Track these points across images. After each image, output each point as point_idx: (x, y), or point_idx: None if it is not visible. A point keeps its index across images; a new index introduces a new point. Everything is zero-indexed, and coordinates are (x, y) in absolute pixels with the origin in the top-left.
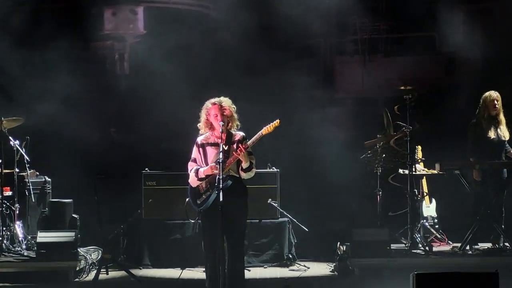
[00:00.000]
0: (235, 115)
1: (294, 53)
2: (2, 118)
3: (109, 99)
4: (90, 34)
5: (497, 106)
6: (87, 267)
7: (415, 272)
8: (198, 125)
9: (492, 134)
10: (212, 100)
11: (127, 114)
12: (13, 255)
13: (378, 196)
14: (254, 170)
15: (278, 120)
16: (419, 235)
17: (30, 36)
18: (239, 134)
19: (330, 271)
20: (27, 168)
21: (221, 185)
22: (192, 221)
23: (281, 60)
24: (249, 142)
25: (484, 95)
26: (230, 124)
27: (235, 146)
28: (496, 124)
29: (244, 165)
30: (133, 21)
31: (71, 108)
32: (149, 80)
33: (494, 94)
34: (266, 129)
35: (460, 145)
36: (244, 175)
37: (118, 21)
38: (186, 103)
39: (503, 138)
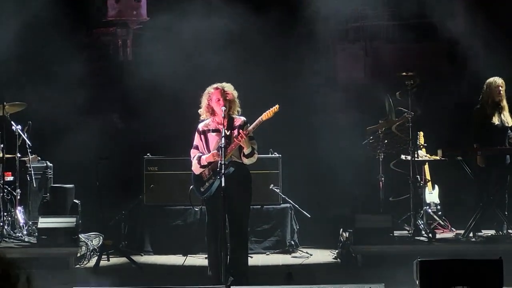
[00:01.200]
0: (237, 100)
1: (295, 39)
2: (5, 103)
3: (112, 85)
4: (94, 20)
5: (501, 92)
6: (88, 253)
7: (419, 259)
8: (199, 110)
9: (496, 120)
10: (215, 85)
11: (130, 100)
12: (14, 240)
13: (381, 182)
14: (256, 155)
15: (277, 106)
16: (422, 222)
17: (33, 22)
18: (240, 119)
19: (333, 258)
20: (29, 153)
21: (223, 171)
22: (196, 208)
23: (282, 47)
24: (249, 128)
25: (488, 81)
26: (231, 109)
27: (236, 131)
28: (500, 110)
29: (246, 151)
30: (136, 8)
31: (73, 94)
32: (152, 67)
33: (499, 80)
34: (266, 115)
35: (462, 131)
36: (246, 161)
37: (122, 7)
38: (189, 89)
39: (507, 124)
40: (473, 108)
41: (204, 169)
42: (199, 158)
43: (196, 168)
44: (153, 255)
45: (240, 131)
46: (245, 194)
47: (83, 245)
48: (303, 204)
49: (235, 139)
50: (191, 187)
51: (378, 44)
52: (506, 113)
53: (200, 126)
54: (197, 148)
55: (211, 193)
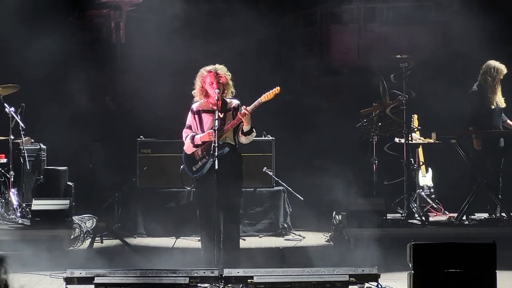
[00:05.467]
0: (230, 83)
1: (289, 22)
2: None
3: (105, 68)
4: (86, 2)
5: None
6: (81, 235)
7: (412, 242)
8: (192, 92)
9: (493, 103)
10: (208, 68)
11: (123, 83)
12: (8, 222)
13: (374, 165)
14: (254, 134)
15: (278, 88)
16: (415, 205)
17: (26, 4)
18: (234, 102)
19: (326, 241)
20: (22, 135)
21: (217, 153)
22: (188, 188)
23: (277, 29)
24: (248, 108)
25: (494, 66)
26: (225, 91)
27: (231, 113)
28: (496, 93)
29: (246, 127)
30: None
31: (66, 76)
32: (145, 49)
33: (505, 69)
34: (265, 96)
35: (457, 113)
36: (243, 139)
37: None
38: (182, 71)
39: (501, 106)
40: (468, 90)
41: (197, 149)
42: (192, 137)
43: (188, 147)
44: (147, 237)
45: (243, 106)
46: (237, 175)
47: (76, 227)
48: (296, 187)
49: (239, 113)
50: (182, 166)
51: (372, 27)
52: (500, 95)
53: (194, 106)
54: (190, 128)
55: (203, 173)
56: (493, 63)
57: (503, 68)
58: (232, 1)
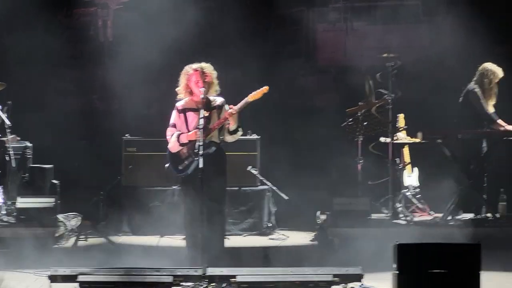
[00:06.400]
0: (216, 81)
1: (276, 21)
2: None
3: (92, 66)
4: (74, 0)
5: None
6: (66, 233)
7: (397, 243)
8: (176, 89)
9: (487, 107)
10: (194, 66)
11: (109, 81)
12: None
13: (359, 165)
14: (240, 132)
15: (266, 87)
16: (400, 205)
17: (13, 2)
18: (218, 100)
19: (310, 240)
20: (8, 133)
21: (202, 152)
22: (174, 187)
23: (263, 29)
24: (235, 108)
25: (491, 69)
26: (210, 90)
27: (215, 112)
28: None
29: (232, 127)
30: None
31: (53, 74)
32: (132, 47)
33: (501, 73)
34: (252, 96)
35: (443, 113)
36: (229, 138)
37: None
38: (169, 70)
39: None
40: (472, 89)
41: (182, 147)
42: (178, 136)
43: (174, 146)
44: (131, 235)
45: (231, 106)
46: (222, 174)
47: (61, 225)
48: (281, 186)
49: (225, 112)
50: (167, 165)
51: (359, 25)
52: (494, 99)
53: (179, 105)
54: (174, 126)
55: (189, 172)
56: (490, 65)
57: (499, 72)
58: (219, 0)
